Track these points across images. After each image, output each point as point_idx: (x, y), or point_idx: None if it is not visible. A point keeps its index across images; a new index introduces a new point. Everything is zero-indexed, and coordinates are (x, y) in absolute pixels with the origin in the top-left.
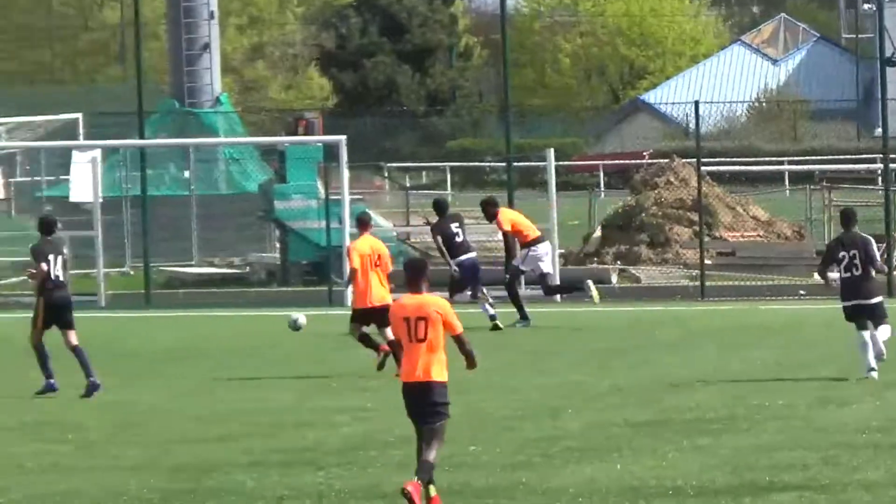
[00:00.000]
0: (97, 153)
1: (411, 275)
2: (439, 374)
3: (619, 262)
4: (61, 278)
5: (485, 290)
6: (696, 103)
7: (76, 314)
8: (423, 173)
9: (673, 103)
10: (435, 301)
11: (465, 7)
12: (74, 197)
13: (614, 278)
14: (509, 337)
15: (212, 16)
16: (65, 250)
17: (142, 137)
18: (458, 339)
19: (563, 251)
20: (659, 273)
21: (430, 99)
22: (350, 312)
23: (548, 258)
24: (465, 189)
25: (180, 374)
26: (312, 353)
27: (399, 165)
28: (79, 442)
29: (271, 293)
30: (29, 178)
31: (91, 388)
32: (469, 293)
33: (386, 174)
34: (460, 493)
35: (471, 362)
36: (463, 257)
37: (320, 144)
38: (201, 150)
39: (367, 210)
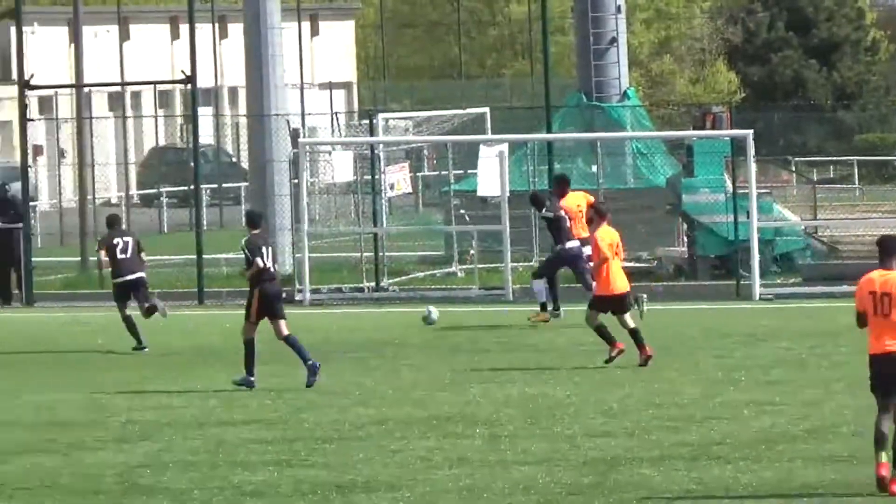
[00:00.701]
0: (504, 147)
1: (884, 252)
2: None
3: None
4: (272, 269)
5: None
6: None
7: (487, 308)
8: (831, 167)
9: None
10: None
11: (871, 1)
12: (482, 191)
13: None
14: None
15: (619, 10)
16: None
17: (549, 131)
18: None
19: None
20: None
21: (837, 93)
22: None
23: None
24: (873, 183)
25: (587, 367)
26: (717, 347)
27: (806, 159)
28: (487, 436)
29: (678, 287)
30: (436, 173)
31: (312, 372)
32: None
33: (793, 168)
34: None
35: None
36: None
37: (727, 138)
38: (609, 145)
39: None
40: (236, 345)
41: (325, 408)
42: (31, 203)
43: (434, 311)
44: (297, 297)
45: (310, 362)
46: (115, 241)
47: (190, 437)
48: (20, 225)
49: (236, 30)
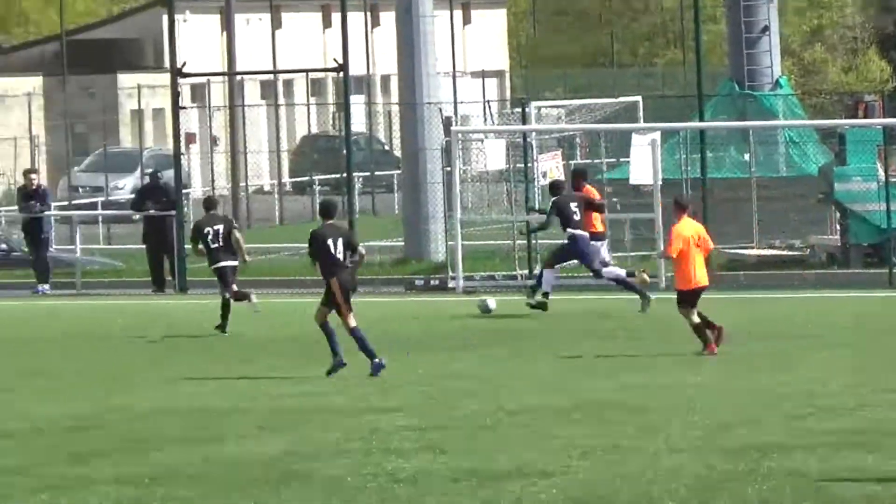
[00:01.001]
0: (657, 136)
1: None
2: None
3: None
4: (342, 260)
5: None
6: None
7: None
8: None
9: None
10: None
11: None
12: (634, 179)
13: None
14: None
15: None
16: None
17: (701, 120)
18: None
19: None
20: None
21: None
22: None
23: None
24: None
25: (732, 354)
26: (869, 335)
27: None
28: (639, 424)
29: (829, 275)
30: (588, 161)
31: (340, 362)
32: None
33: None
34: None
35: None
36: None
37: (880, 127)
38: (761, 133)
39: (683, 194)
40: (388, 332)
41: (478, 395)
42: (183, 190)
43: (491, 301)
44: (451, 284)
45: (338, 357)
46: (205, 230)
47: (343, 424)
48: (173, 212)
49: (388, 18)
